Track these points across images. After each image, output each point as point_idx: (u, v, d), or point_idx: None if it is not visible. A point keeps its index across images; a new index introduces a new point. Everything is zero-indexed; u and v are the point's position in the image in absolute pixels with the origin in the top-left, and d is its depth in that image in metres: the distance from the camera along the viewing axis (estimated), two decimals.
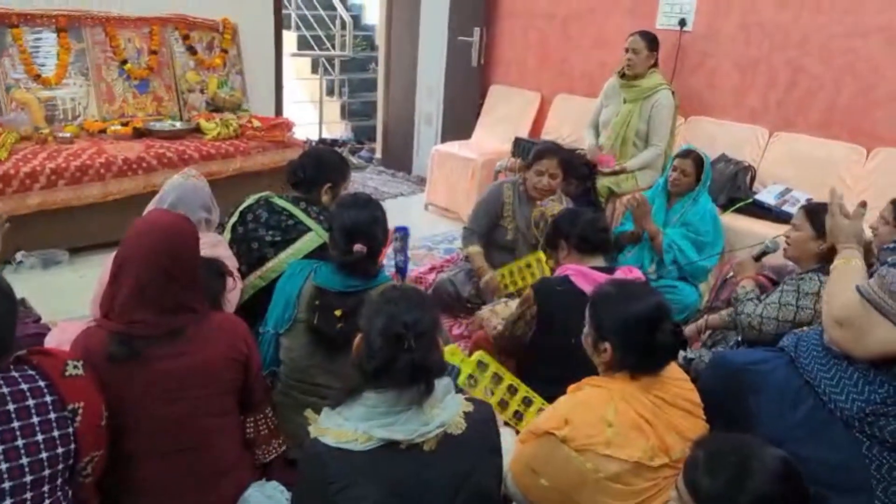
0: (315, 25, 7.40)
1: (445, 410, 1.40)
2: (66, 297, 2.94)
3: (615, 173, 3.83)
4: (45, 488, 1.33)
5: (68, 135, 3.91)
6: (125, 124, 4.20)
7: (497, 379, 2.10)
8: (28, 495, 1.29)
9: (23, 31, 3.97)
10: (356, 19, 7.86)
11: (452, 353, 2.09)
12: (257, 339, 2.01)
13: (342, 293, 2.02)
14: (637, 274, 2.20)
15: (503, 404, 2.10)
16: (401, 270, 2.99)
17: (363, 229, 2.02)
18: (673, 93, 3.87)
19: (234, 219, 2.52)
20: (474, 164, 4.70)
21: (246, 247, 2.44)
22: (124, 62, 4.34)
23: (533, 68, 5.11)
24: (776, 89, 3.95)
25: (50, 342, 2.09)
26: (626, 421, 1.51)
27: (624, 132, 3.88)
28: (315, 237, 2.44)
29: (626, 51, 3.84)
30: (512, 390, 2.10)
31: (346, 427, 1.35)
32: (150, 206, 2.33)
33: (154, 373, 1.61)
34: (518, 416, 2.10)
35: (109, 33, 4.28)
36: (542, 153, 3.08)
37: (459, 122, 5.39)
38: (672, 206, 3.21)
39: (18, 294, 2.66)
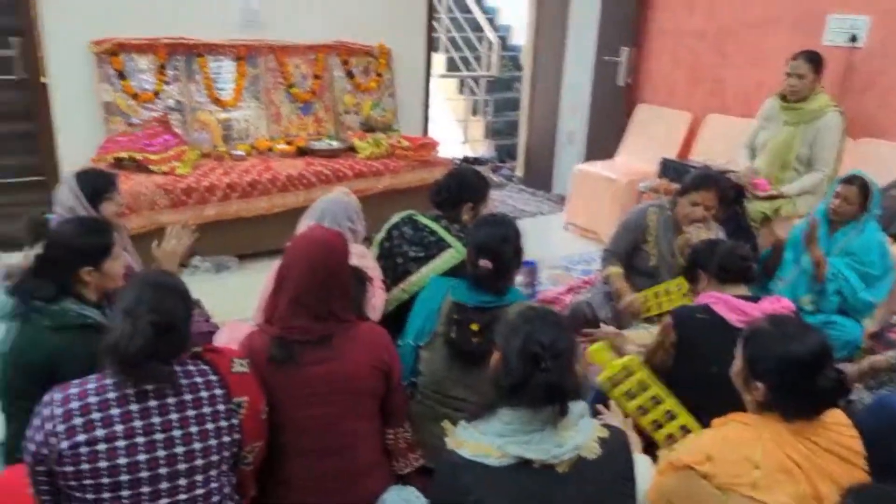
0: (463, 47, 7.64)
1: (580, 433, 1.41)
2: (234, 300, 3.21)
3: (772, 198, 3.62)
4: (213, 472, 1.48)
5: (241, 153, 4.33)
6: (289, 143, 4.57)
7: (643, 387, 2.06)
8: (199, 477, 1.45)
9: (207, 59, 4.45)
10: (503, 40, 8.00)
11: (599, 350, 2.07)
12: (399, 350, 2.12)
13: (478, 308, 2.09)
14: (786, 304, 2.09)
15: (643, 410, 2.04)
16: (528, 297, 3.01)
17: (491, 246, 2.08)
18: (842, 114, 3.60)
19: (381, 235, 2.68)
20: (617, 184, 4.63)
21: (391, 261, 2.59)
22: (291, 86, 4.73)
23: (683, 87, 4.95)
24: None
25: (219, 340, 2.33)
26: (774, 464, 1.43)
27: (784, 156, 3.65)
28: (455, 254, 2.53)
29: (789, 75, 3.61)
30: (655, 401, 2.05)
31: (482, 441, 1.39)
32: (304, 217, 2.55)
33: (306, 376, 1.76)
34: (657, 425, 2.05)
35: (280, 60, 4.69)
36: (700, 183, 2.92)
37: (603, 142, 5.33)
38: (833, 235, 2.99)
39: (194, 295, 2.98)
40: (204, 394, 1.49)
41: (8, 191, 3.93)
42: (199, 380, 1.50)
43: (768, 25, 4.37)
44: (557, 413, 1.38)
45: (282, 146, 4.51)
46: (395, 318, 2.40)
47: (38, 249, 2.06)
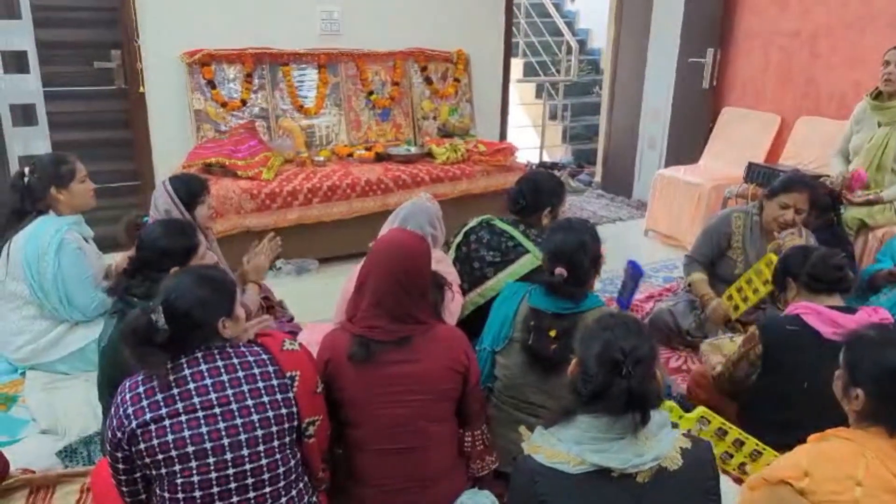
0: (541, 51, 7.59)
1: (661, 443, 1.37)
2: (315, 301, 3.29)
3: (869, 203, 3.42)
4: (276, 443, 1.55)
5: (322, 158, 4.44)
6: (368, 149, 4.65)
7: (721, 433, 2.00)
8: (261, 448, 1.52)
9: (292, 68, 4.59)
10: (582, 44, 7.91)
11: (669, 409, 2.02)
12: (475, 355, 2.12)
13: (556, 315, 2.05)
14: (884, 315, 1.96)
15: (726, 457, 2.00)
16: (621, 304, 2.96)
17: (566, 254, 2.03)
18: None
19: (458, 238, 2.69)
20: (701, 189, 4.48)
21: (468, 266, 2.60)
22: (370, 93, 4.82)
23: (772, 89, 4.75)
24: None
25: (301, 340, 2.39)
26: (878, 483, 1.35)
27: (879, 158, 3.45)
28: (532, 259, 2.51)
29: (886, 63, 3.41)
30: (738, 444, 1.99)
31: (558, 448, 1.38)
32: (387, 222, 2.59)
33: (384, 375, 1.78)
34: (742, 468, 1.99)
35: (360, 68, 4.78)
36: (791, 185, 2.82)
37: (686, 147, 5.18)
38: None
39: (278, 296, 3.08)
40: (256, 370, 1.57)
41: (108, 195, 4.17)
42: (251, 359, 1.59)
43: (866, 24, 4.14)
44: (638, 422, 1.35)
45: (361, 152, 4.60)
46: (472, 323, 2.40)
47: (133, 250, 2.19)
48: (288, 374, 1.60)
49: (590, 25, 8.27)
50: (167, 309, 1.52)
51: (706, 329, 2.93)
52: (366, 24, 4.76)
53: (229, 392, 1.52)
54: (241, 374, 1.55)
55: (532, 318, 2.08)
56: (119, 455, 1.52)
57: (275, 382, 1.57)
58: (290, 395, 1.59)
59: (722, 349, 2.38)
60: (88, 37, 4.13)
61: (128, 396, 1.51)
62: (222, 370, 1.54)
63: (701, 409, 2.02)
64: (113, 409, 1.53)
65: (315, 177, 4.09)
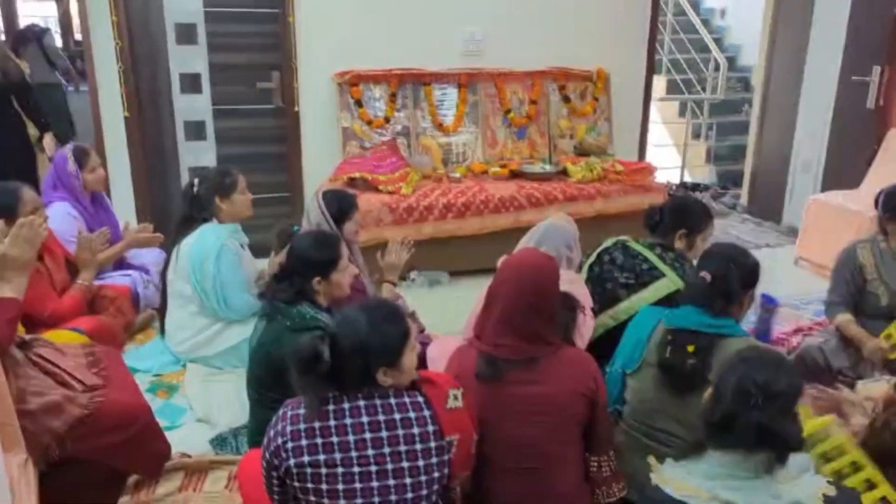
0: (686, 69, 7.33)
1: (799, 488, 1.30)
2: (444, 314, 3.37)
3: None
4: (423, 503, 1.53)
5: (458, 175, 4.54)
6: (503, 166, 4.69)
7: (841, 451, 1.84)
8: None
9: (433, 87, 4.75)
10: (731, 60, 7.55)
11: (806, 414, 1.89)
12: (605, 376, 2.09)
13: (693, 332, 1.98)
14: None
15: (839, 476, 1.82)
16: (760, 338, 2.80)
17: (716, 261, 2.01)
18: None
19: (591, 259, 2.66)
20: (861, 217, 4.11)
21: (600, 287, 2.56)
22: (508, 112, 4.87)
23: None
24: None
25: (431, 352, 2.46)
26: None
27: None
28: (668, 283, 2.43)
29: None
30: (854, 467, 1.82)
31: (689, 481, 1.34)
32: (523, 241, 2.60)
33: (510, 395, 1.80)
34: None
35: (499, 87, 4.85)
36: None
37: (846, 171, 4.79)
38: None
39: (410, 307, 3.19)
40: (416, 430, 1.52)
41: (263, 205, 4.52)
42: (412, 415, 1.53)
43: None
44: (774, 460, 1.28)
45: (496, 169, 4.65)
46: (601, 345, 2.36)
47: (282, 257, 2.36)
48: (447, 439, 1.54)
49: (741, 41, 7.88)
50: (333, 342, 1.51)
51: (860, 370, 2.70)
52: (506, 43, 4.82)
53: (386, 451, 1.49)
54: (400, 432, 1.51)
55: (668, 335, 2.03)
56: (274, 475, 1.53)
57: (432, 445, 1.53)
58: (446, 458, 1.55)
59: (873, 392, 2.17)
60: (253, 60, 4.51)
61: (288, 429, 1.51)
62: (382, 426, 1.51)
63: (842, 438, 1.85)
64: (272, 433, 1.53)
65: (450, 192, 4.19)
